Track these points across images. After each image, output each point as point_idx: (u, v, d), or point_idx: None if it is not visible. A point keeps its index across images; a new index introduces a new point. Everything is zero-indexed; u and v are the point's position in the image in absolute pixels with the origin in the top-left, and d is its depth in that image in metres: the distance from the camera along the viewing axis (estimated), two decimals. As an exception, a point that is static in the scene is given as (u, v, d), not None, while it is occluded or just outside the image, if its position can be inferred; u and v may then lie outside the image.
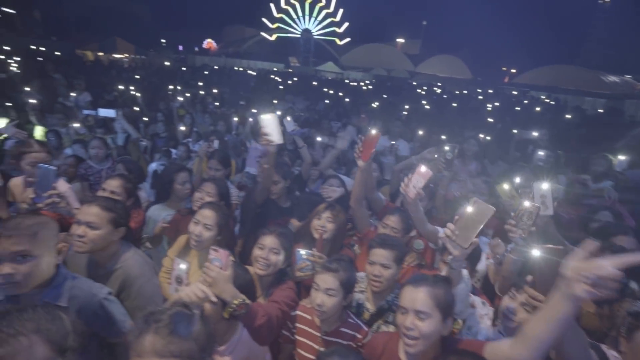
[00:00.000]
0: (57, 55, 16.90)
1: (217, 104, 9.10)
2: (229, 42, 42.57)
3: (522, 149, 5.19)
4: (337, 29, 34.86)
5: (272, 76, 20.03)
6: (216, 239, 1.92)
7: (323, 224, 2.10)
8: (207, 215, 1.92)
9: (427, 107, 10.83)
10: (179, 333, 0.97)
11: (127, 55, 22.56)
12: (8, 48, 13.70)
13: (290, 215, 2.62)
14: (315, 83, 17.93)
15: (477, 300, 1.84)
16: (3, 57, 11.39)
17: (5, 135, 4.69)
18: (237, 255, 2.46)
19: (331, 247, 2.13)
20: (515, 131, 6.96)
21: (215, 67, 20.65)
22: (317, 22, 35.07)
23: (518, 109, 12.72)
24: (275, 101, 11.56)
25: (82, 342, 0.96)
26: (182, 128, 4.97)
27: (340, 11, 34.24)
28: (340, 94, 14.28)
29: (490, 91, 21.64)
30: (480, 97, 18.26)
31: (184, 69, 18.33)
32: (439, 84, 26.40)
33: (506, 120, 9.45)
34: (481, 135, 5.64)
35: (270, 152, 2.28)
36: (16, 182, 2.41)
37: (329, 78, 24.80)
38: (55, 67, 9.47)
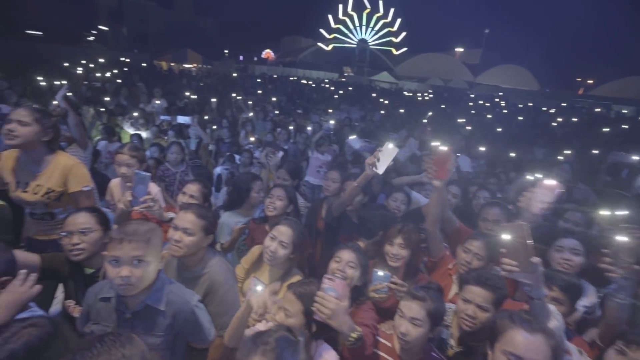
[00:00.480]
0: (141, 65, 18.91)
1: (277, 112, 9.44)
2: (286, 52, 44.41)
3: (615, 173, 4.59)
4: (393, 39, 34.58)
5: (327, 85, 20.41)
6: (290, 257, 1.91)
7: (397, 252, 1.96)
8: (284, 232, 1.89)
9: (490, 120, 10.17)
10: (284, 358, 1.00)
11: (195, 65, 24.54)
12: (102, 60, 15.67)
13: (359, 231, 2.56)
14: (373, 95, 17.78)
15: (572, 348, 1.60)
16: (90, 67, 13.07)
17: (98, 137, 5.32)
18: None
19: (406, 271, 1.99)
20: (596, 151, 6.22)
21: (274, 76, 21.48)
22: (373, 32, 35.10)
23: (606, 129, 11.10)
24: (330, 110, 11.75)
25: None
26: (252, 139, 5.20)
27: (398, 21, 33.97)
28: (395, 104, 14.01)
29: (564, 104, 19.72)
30: (552, 111, 16.73)
31: (244, 77, 19.43)
32: (501, 94, 24.78)
33: (586, 138, 8.51)
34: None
35: (367, 175, 2.24)
36: (116, 183, 2.69)
37: (384, 88, 24.54)
38: (140, 77, 10.61)
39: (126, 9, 37.97)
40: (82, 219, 1.69)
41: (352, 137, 2.85)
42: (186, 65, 23.92)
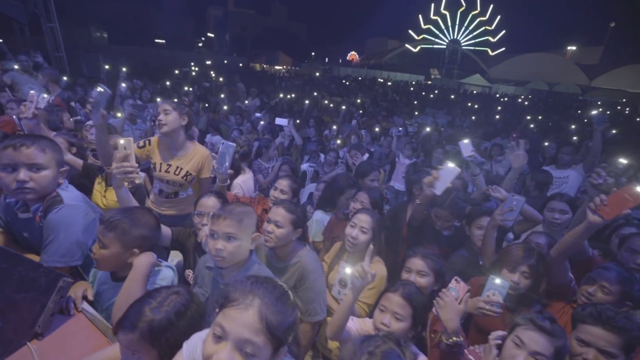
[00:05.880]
0: (239, 66, 21.00)
1: (360, 112, 9.50)
2: (371, 54, 44.24)
3: None
4: (490, 39, 31.60)
5: (412, 88, 19.76)
6: (370, 243, 1.95)
7: (518, 280, 1.71)
8: (364, 220, 2.00)
9: (614, 131, 8.62)
10: None
11: (285, 66, 26.20)
12: (209, 62, 17.87)
13: (449, 245, 2.43)
14: (452, 97, 16.61)
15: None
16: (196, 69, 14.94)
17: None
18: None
19: (519, 298, 1.75)
20: None
21: (359, 78, 21.61)
22: (467, 31, 32.60)
23: None
24: (416, 113, 11.35)
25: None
26: (338, 141, 5.35)
27: (497, 18, 30.93)
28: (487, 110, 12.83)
29: None
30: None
31: (329, 79, 19.98)
32: (624, 100, 20.76)
33: None
34: None
35: (427, 196, 2.14)
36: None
37: (475, 92, 22.71)
38: (239, 78, 11.81)
39: (230, 18, 42.35)
40: (212, 202, 1.98)
41: (465, 141, 2.66)
42: (277, 67, 25.69)
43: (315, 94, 12.52)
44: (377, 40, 45.71)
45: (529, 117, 9.80)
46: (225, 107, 7.00)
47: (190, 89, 8.80)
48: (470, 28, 32.64)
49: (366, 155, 3.88)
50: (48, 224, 1.40)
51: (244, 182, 2.96)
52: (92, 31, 24.69)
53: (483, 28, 32.02)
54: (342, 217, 2.64)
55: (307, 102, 8.67)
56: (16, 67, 5.17)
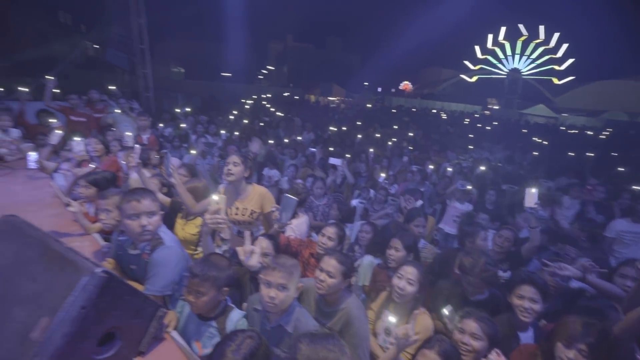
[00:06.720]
0: (294, 98, 22.37)
1: (410, 147, 9.49)
2: (425, 83, 43.97)
3: None
4: (556, 67, 29.64)
5: (467, 120, 19.18)
6: (416, 295, 2.06)
7: (575, 358, 1.56)
8: (410, 272, 2.12)
9: None
10: None
11: (338, 97, 27.23)
12: (269, 95, 19.34)
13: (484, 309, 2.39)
14: (524, 131, 15.68)
15: None
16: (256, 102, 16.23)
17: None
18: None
19: None
20: None
21: (413, 110, 21.57)
22: (529, 60, 31.00)
23: None
24: (470, 147, 10.96)
25: None
26: (382, 174, 5.47)
27: (564, 47, 29.05)
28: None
29: None
30: None
31: (381, 110, 20.26)
32: None
33: None
34: None
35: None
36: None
37: (538, 123, 21.32)
38: (296, 111, 12.65)
39: (289, 51, 45.51)
40: (265, 244, 2.30)
41: (532, 190, 2.57)
42: (330, 98, 26.80)
43: (366, 125, 12.81)
44: (431, 69, 45.42)
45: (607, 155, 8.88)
46: (286, 140, 7.54)
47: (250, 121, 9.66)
48: (534, 57, 31.03)
49: (420, 202, 3.93)
50: (153, 261, 1.78)
51: (297, 226, 3.25)
52: (172, 67, 28.29)
53: (548, 57, 30.24)
54: (384, 267, 2.75)
55: (359, 136, 8.95)
56: (117, 110, 6.25)
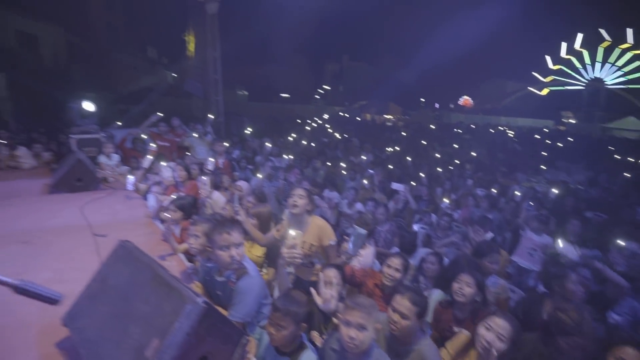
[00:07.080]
0: (351, 118, 22.69)
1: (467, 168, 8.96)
2: (486, 97, 41.49)
3: None
4: (649, 74, 25.94)
5: (538, 136, 17.56)
6: (504, 353, 1.89)
7: None
8: (502, 326, 1.87)
9: None
10: None
11: (395, 115, 26.96)
12: (326, 116, 19.92)
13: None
14: (610, 148, 13.86)
15: None
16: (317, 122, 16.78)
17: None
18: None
19: None
20: None
21: (472, 126, 20.46)
22: (615, 68, 27.62)
23: None
24: (543, 167, 9.96)
25: None
26: (446, 200, 5.27)
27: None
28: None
29: None
30: None
31: (440, 128, 19.46)
32: None
33: None
34: None
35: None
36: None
37: (627, 138, 18.75)
38: (353, 131, 12.84)
39: (345, 70, 46.54)
40: (333, 273, 2.33)
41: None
42: (386, 116, 26.65)
43: (425, 144, 12.43)
44: (494, 82, 42.76)
45: None
46: (342, 165, 7.68)
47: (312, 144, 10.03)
48: (619, 64, 27.60)
49: (490, 235, 3.70)
50: (238, 289, 1.95)
51: (363, 257, 3.26)
52: (237, 90, 30.70)
53: (638, 63, 26.67)
54: (446, 305, 2.58)
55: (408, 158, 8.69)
56: (195, 135, 6.98)
